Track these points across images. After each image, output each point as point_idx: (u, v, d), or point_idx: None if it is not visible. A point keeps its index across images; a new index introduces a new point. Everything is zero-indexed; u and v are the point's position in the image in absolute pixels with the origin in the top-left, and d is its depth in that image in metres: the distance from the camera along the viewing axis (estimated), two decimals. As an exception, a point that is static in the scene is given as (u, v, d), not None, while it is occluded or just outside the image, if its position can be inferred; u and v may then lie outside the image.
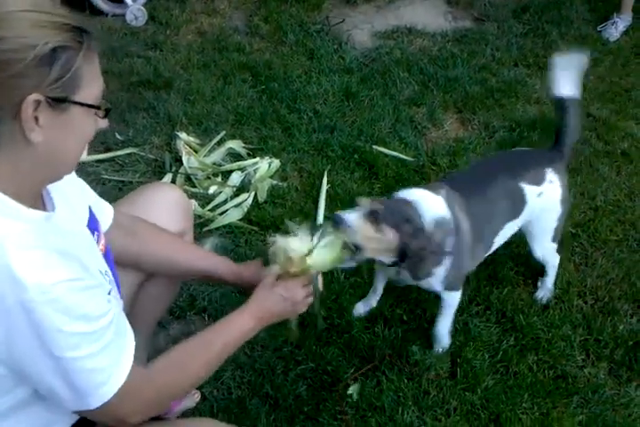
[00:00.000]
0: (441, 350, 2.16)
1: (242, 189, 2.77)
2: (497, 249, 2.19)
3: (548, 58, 3.74)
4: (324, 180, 2.81)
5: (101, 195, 1.54)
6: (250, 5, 4.09)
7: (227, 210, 2.66)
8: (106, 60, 3.33)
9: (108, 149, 2.95)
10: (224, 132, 3.04)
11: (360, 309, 2.28)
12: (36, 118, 1.05)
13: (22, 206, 1.10)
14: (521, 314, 2.29)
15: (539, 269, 2.39)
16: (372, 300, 2.28)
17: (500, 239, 2.14)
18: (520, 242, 2.39)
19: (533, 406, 2.04)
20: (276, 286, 1.48)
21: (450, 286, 2.03)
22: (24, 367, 1.09)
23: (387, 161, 2.94)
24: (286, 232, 1.52)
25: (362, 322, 2.23)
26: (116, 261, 1.41)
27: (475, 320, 2.26)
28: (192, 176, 2.82)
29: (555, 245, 2.28)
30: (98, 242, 1.36)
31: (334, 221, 1.70)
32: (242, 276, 1.63)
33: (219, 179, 2.84)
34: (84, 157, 2.51)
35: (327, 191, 2.76)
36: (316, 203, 2.72)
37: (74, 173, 1.36)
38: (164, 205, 1.70)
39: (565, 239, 2.54)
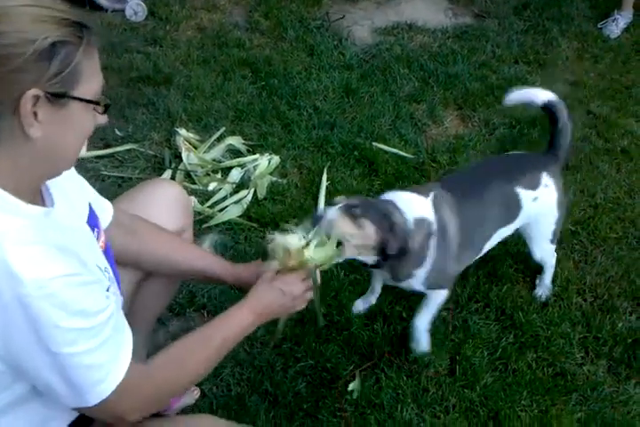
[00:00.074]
0: (418, 351, 2.10)
1: (241, 185, 2.77)
2: (495, 247, 2.18)
3: (548, 55, 3.76)
4: (324, 176, 2.80)
5: (101, 191, 1.53)
6: (250, 1, 4.07)
7: (226, 206, 2.66)
8: (105, 55, 3.32)
9: (107, 145, 2.94)
10: (224, 129, 3.02)
11: (359, 306, 2.28)
12: (35, 114, 1.05)
13: (21, 202, 1.10)
14: (520, 311, 2.29)
15: (538, 267, 2.38)
16: (371, 298, 2.28)
17: (491, 244, 2.12)
18: (519, 240, 2.38)
19: (532, 403, 2.04)
20: (274, 280, 1.48)
21: (432, 287, 2.01)
22: (21, 363, 1.09)
23: (387, 158, 2.94)
24: (284, 231, 1.54)
25: (361, 319, 2.23)
26: (116, 259, 1.41)
27: (474, 317, 2.26)
28: (192, 172, 2.82)
29: (553, 247, 2.29)
30: (98, 239, 1.35)
31: (313, 219, 1.68)
32: (240, 276, 1.62)
33: (218, 175, 2.83)
34: (84, 153, 2.51)
35: (327, 188, 2.75)
36: (315, 200, 2.71)
37: (73, 170, 1.36)
38: (164, 202, 1.70)
39: (565, 237, 2.54)
